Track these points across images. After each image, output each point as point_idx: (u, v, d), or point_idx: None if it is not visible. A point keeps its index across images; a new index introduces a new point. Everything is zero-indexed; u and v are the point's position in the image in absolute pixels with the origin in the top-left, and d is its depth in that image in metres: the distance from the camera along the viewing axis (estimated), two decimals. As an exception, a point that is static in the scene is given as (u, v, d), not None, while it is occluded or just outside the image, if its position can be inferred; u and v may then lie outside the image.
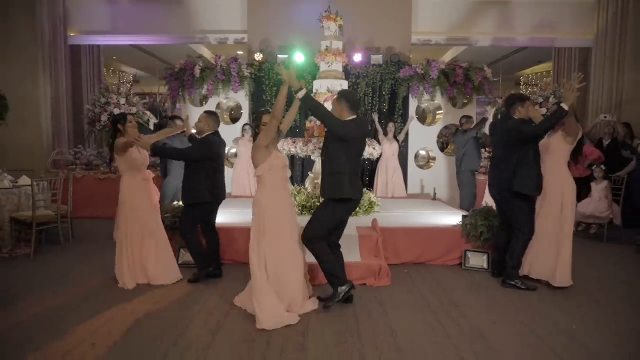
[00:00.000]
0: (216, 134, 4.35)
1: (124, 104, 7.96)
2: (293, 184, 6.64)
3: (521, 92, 13.08)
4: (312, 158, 6.11)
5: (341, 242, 3.92)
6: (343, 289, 3.63)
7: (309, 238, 3.61)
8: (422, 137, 8.43)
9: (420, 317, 3.55)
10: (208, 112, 4.41)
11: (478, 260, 4.87)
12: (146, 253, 4.28)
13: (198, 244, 4.39)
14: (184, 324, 3.38)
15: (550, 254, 4.22)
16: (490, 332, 3.28)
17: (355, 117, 3.66)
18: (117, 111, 7.82)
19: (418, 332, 3.28)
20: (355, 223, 5.14)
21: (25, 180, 5.86)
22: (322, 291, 3.92)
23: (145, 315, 3.55)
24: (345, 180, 3.53)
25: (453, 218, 5.41)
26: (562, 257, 4.17)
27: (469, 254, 4.91)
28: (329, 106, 5.75)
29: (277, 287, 3.49)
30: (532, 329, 3.35)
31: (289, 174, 3.85)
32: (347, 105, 3.62)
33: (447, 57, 11.68)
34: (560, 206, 4.20)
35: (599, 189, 6.28)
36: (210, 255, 4.45)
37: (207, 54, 11.20)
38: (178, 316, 3.53)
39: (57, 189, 5.66)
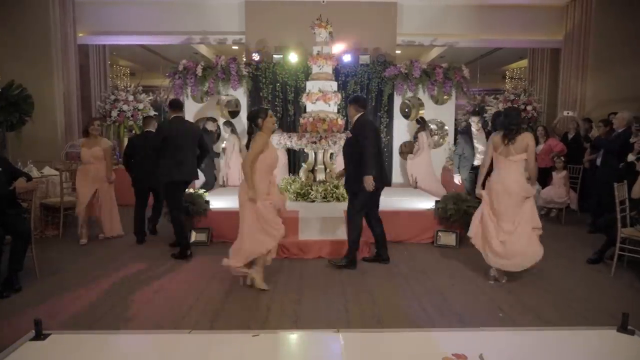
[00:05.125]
0: (163, 123, 5.65)
1: (131, 101, 8.65)
2: (289, 174, 7.38)
3: (506, 85, 13.95)
4: (305, 151, 6.85)
5: (330, 223, 4.74)
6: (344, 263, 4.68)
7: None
8: (407, 131, 9.20)
9: (393, 281, 4.36)
10: (148, 117, 6.16)
11: (448, 239, 5.68)
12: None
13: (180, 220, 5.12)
14: (202, 287, 4.16)
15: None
16: (448, 291, 4.10)
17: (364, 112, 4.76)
18: (125, 107, 8.53)
19: (390, 291, 4.09)
20: (343, 207, 5.92)
21: (49, 170, 6.56)
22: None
23: (167, 281, 4.34)
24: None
25: (429, 203, 6.19)
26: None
27: (440, 233, 5.72)
28: (321, 105, 6.56)
29: None
30: (484, 290, 4.16)
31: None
32: (357, 106, 4.73)
33: (434, 53, 12.43)
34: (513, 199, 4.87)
35: (558, 177, 7.11)
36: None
37: (204, 50, 11.87)
38: (195, 281, 4.32)
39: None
